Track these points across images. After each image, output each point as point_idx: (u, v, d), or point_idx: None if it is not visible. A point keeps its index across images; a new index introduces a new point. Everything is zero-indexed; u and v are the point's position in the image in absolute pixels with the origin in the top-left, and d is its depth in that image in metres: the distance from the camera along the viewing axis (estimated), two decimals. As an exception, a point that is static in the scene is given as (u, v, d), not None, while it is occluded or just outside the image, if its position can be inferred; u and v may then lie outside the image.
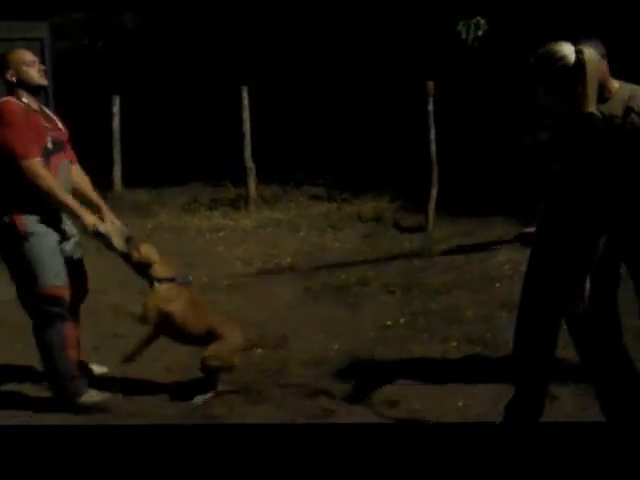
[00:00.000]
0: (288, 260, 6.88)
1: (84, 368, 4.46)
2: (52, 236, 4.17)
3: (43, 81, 4.26)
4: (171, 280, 4.37)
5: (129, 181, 9.86)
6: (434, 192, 8.01)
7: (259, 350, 5.00)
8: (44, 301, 4.14)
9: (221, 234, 8.05)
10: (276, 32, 11.40)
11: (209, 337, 4.35)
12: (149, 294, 4.36)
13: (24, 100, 4.16)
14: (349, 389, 4.42)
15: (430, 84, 8.02)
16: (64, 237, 4.27)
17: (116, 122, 9.92)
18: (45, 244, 4.12)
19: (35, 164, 4.04)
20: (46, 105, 6.56)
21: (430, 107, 8.02)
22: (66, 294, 4.20)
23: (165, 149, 11.10)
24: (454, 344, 4.96)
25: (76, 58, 12.20)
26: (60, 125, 4.39)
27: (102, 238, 4.27)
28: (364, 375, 4.60)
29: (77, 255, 4.41)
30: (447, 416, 4.04)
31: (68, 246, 4.30)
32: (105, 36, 12.65)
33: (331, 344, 5.05)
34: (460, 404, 4.16)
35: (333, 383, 4.50)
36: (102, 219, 4.30)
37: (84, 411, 4.17)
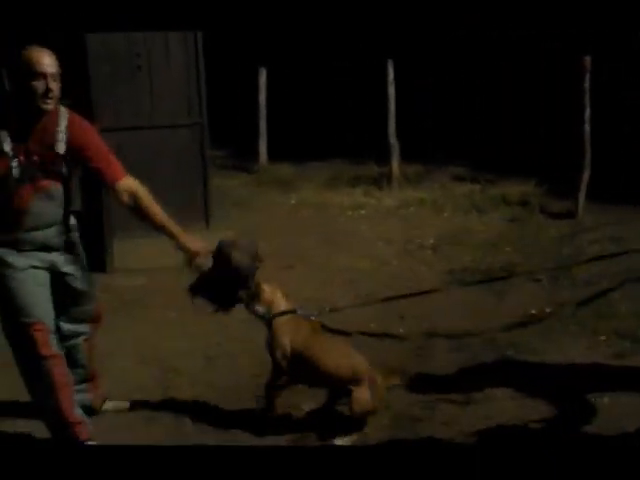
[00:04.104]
0: (431, 241, 6.80)
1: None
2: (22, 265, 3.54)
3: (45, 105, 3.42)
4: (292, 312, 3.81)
5: (273, 154, 10.00)
6: (585, 176, 7.63)
7: (401, 330, 5.01)
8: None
9: (363, 212, 8.03)
10: (426, 3, 11.22)
11: (350, 381, 3.80)
12: (276, 330, 3.78)
13: None
14: (490, 376, 4.35)
15: (587, 60, 7.55)
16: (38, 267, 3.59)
17: (262, 95, 9.95)
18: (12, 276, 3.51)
19: None
20: (196, 78, 6.48)
21: (586, 84, 7.52)
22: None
23: (309, 123, 11.19)
24: (603, 338, 4.78)
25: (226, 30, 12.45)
26: (57, 141, 3.48)
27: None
28: (507, 364, 4.52)
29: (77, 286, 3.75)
30: (588, 413, 3.89)
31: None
32: (254, 8, 12.82)
33: (474, 330, 4.98)
34: (605, 401, 4.01)
35: (474, 370, 4.45)
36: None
37: None
